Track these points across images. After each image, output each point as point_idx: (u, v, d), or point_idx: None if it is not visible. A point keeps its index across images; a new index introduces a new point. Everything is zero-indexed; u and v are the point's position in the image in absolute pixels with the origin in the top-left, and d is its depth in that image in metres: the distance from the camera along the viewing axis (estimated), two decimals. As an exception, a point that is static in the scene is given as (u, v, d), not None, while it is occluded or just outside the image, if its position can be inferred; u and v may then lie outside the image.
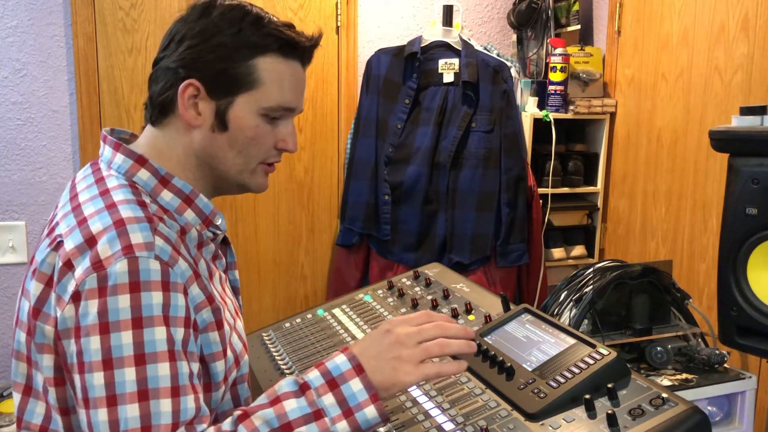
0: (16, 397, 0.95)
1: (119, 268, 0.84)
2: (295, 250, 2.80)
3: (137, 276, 0.84)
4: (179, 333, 0.86)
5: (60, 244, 0.90)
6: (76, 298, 0.85)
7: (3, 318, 2.48)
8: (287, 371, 1.39)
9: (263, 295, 2.78)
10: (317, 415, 0.85)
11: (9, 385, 2.36)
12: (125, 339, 0.82)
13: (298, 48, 1.00)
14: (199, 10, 0.99)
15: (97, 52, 2.44)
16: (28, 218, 2.47)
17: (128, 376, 0.82)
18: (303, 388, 0.87)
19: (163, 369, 0.83)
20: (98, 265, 0.85)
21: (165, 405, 0.83)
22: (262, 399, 0.88)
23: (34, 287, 0.91)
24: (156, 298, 0.85)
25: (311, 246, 2.82)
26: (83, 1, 2.40)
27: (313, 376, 0.88)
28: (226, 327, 0.97)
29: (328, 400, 0.87)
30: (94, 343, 0.83)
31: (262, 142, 1.01)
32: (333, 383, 0.87)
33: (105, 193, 0.94)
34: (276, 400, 0.86)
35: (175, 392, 0.84)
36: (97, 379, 0.82)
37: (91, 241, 0.87)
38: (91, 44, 2.43)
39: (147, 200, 0.95)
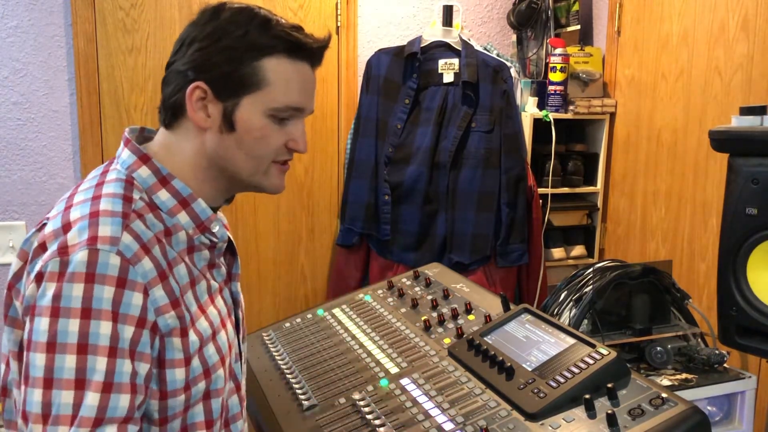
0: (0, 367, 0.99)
1: (80, 257, 0.86)
2: (295, 250, 2.80)
3: (94, 268, 0.86)
4: (127, 331, 0.87)
5: (43, 226, 0.95)
6: (39, 278, 0.88)
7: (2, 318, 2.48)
8: (287, 371, 1.39)
9: (263, 295, 2.78)
10: None
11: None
12: (72, 327, 0.85)
13: (305, 49, 1.01)
14: (209, 13, 1.00)
15: (97, 52, 2.44)
16: (28, 218, 2.47)
17: (68, 363, 0.84)
18: None
19: (101, 363, 0.85)
20: (63, 251, 0.87)
21: (93, 398, 0.84)
22: None
23: (14, 264, 0.96)
24: (107, 292, 0.86)
25: (311, 246, 2.82)
26: (83, 1, 2.40)
27: None
28: (194, 337, 0.96)
29: None
30: (43, 324, 0.85)
31: (270, 143, 1.01)
32: None
33: (99, 185, 0.97)
34: None
35: (107, 388, 0.85)
36: (39, 359, 0.85)
37: (66, 227, 0.91)
38: (91, 44, 2.43)
39: (136, 196, 0.96)
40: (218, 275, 1.06)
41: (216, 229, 1.04)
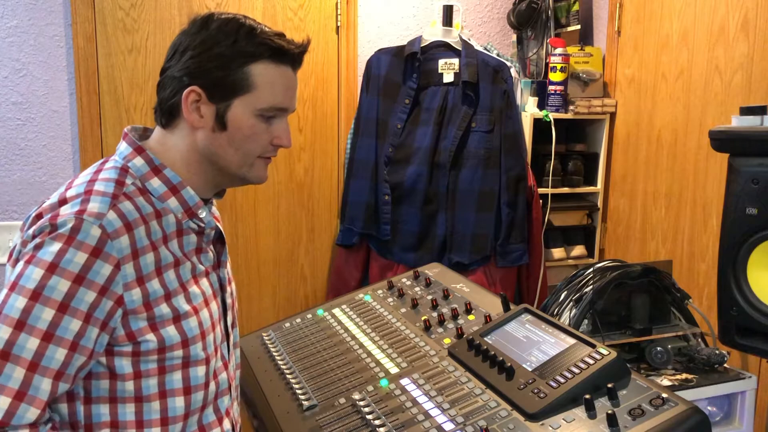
0: None
1: (66, 223, 0.98)
2: (295, 250, 2.80)
3: (76, 233, 0.97)
4: (88, 295, 0.97)
5: (42, 203, 1.06)
6: (32, 239, 0.99)
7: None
8: (287, 371, 1.39)
9: (263, 295, 2.78)
10: None
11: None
12: (36, 275, 0.95)
13: (288, 54, 1.11)
14: (200, 23, 1.10)
15: (97, 52, 2.44)
16: (28, 218, 2.46)
17: (18, 303, 0.95)
18: None
19: (47, 314, 0.95)
20: (53, 218, 0.99)
21: (32, 343, 0.94)
22: None
23: (17, 236, 1.07)
24: (79, 257, 0.96)
25: (311, 246, 2.82)
26: (83, 1, 2.40)
27: None
28: (166, 309, 1.04)
29: None
30: (18, 267, 0.98)
31: (258, 139, 1.12)
32: None
33: (97, 171, 1.09)
34: None
35: (48, 338, 0.95)
36: (1, 296, 0.97)
37: (61, 202, 1.02)
38: (91, 44, 2.43)
39: (128, 181, 1.07)
40: (206, 260, 1.15)
41: (203, 215, 1.14)
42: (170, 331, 1.05)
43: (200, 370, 1.09)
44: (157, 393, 1.05)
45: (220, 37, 1.08)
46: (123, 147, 1.12)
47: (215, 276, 1.18)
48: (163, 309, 1.05)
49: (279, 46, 1.10)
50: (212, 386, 1.13)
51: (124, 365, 1.02)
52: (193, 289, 1.10)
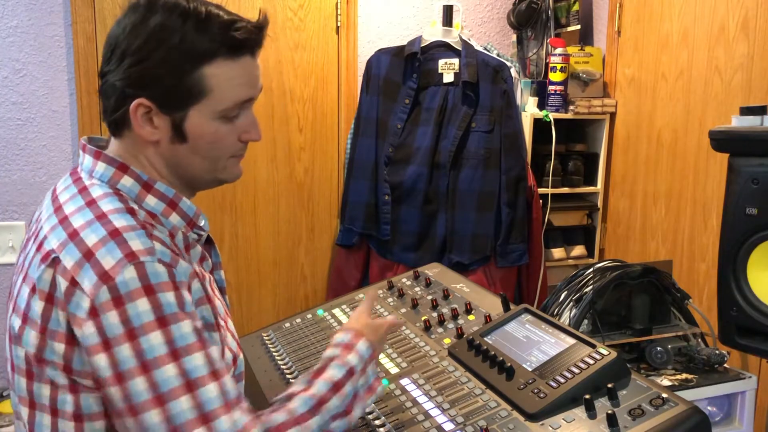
0: (24, 410, 0.95)
1: (128, 276, 0.85)
2: (295, 250, 2.80)
3: (147, 279, 0.86)
4: (199, 323, 0.90)
5: (55, 260, 0.90)
6: (94, 313, 0.85)
7: (3, 318, 2.48)
8: (287, 371, 1.39)
9: (263, 295, 2.78)
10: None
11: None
12: (155, 339, 0.84)
13: (246, 45, 0.97)
14: (139, 16, 0.94)
15: (97, 52, 2.44)
16: (28, 218, 2.46)
17: (169, 372, 0.84)
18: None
19: (198, 358, 0.86)
20: (106, 277, 0.85)
21: (211, 390, 0.86)
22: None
23: (38, 306, 0.90)
24: (170, 297, 0.87)
25: (311, 246, 2.82)
26: (83, 1, 2.40)
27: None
28: (222, 327, 1.00)
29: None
30: (126, 351, 0.84)
31: (224, 143, 1.00)
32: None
33: (92, 203, 0.94)
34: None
35: (216, 375, 0.87)
36: (140, 384, 0.84)
37: (88, 255, 0.87)
38: (91, 44, 2.43)
39: (135, 207, 0.95)
40: (206, 266, 1.08)
41: (202, 222, 1.06)
42: (226, 353, 0.99)
43: (243, 384, 1.06)
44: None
45: (165, 36, 0.92)
46: (102, 168, 0.98)
47: (213, 281, 1.12)
48: (222, 330, 1.00)
49: (233, 39, 0.95)
50: None
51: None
52: (216, 301, 1.04)
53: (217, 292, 1.09)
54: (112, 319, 0.84)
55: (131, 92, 0.93)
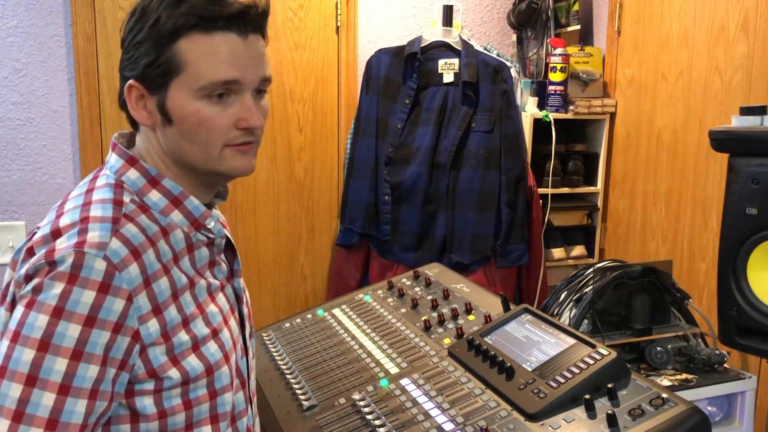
0: None
1: (65, 259, 0.85)
2: (295, 250, 2.80)
3: (78, 270, 0.85)
4: (102, 336, 0.86)
5: (34, 234, 0.93)
6: (27, 279, 0.87)
7: None
8: (287, 371, 1.39)
9: (263, 295, 2.78)
10: None
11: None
12: (39, 322, 0.84)
13: (218, 18, 0.94)
14: (134, 8, 0.98)
15: (97, 52, 2.44)
16: (28, 218, 2.47)
17: (25, 356, 0.83)
18: None
19: (60, 364, 0.83)
20: (50, 254, 0.87)
21: (48, 398, 0.83)
22: None
23: (7, 274, 0.95)
24: (87, 296, 0.85)
25: (311, 246, 2.82)
26: (83, 1, 2.40)
27: None
28: (185, 337, 0.95)
29: None
30: (17, 313, 0.85)
31: (212, 126, 0.96)
32: None
33: (89, 191, 0.96)
34: None
35: (64, 390, 0.84)
36: (2, 346, 0.85)
37: (55, 234, 0.90)
38: (91, 44, 2.43)
39: (127, 199, 0.95)
40: (219, 273, 1.05)
41: (211, 225, 1.02)
42: (192, 362, 0.95)
43: (227, 397, 1.01)
44: (183, 427, 0.96)
45: (146, 18, 0.94)
46: (114, 159, 1.00)
47: (230, 288, 1.09)
48: (182, 337, 0.94)
49: (211, 12, 0.93)
50: (231, 410, 1.04)
51: (147, 406, 0.92)
52: (211, 308, 1.00)
53: (223, 299, 1.05)
54: (32, 285, 0.85)
55: (126, 76, 0.97)
